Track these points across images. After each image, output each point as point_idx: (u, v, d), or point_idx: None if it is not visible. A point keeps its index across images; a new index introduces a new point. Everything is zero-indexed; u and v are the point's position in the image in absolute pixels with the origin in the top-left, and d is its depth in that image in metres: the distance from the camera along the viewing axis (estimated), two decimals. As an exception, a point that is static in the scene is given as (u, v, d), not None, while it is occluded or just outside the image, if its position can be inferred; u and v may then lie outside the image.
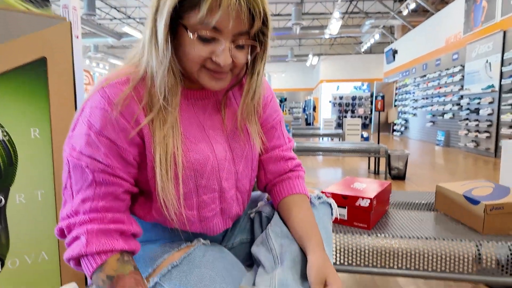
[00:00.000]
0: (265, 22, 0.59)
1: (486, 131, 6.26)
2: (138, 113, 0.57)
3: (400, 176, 3.92)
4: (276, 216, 0.76)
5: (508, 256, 1.09)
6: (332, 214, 0.82)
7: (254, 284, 0.63)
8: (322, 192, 1.28)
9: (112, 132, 0.55)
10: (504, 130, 5.73)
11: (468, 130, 6.87)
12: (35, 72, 1.06)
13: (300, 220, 0.70)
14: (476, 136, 6.51)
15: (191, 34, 0.55)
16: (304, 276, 0.62)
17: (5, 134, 1.00)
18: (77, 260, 0.55)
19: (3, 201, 0.99)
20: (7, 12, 1.07)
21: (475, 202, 1.20)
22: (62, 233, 0.57)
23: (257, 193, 0.92)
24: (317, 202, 0.79)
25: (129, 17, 12.79)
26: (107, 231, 0.55)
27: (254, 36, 0.61)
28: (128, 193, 0.60)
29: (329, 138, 8.14)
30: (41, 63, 1.07)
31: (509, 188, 1.28)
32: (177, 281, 0.61)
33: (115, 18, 12.78)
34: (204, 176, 0.64)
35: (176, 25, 0.57)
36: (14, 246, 1.02)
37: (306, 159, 5.78)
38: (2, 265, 1.01)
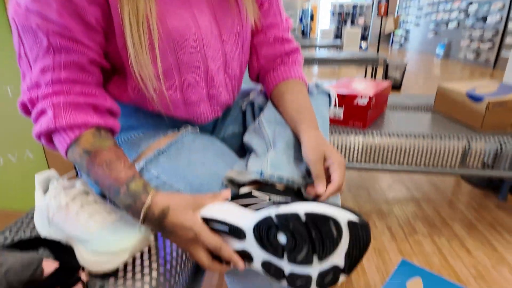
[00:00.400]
0: None
1: (489, 40, 5.97)
2: None
3: (396, 86, 3.86)
4: (269, 103, 0.69)
5: (497, 151, 1.09)
6: (330, 104, 0.76)
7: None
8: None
9: None
10: (508, 39, 5.47)
11: (471, 40, 6.55)
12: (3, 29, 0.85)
13: (293, 102, 0.62)
14: (479, 46, 6.25)
15: None
16: (298, 159, 0.58)
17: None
18: (48, 136, 0.49)
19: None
20: None
21: (478, 99, 1.15)
22: (25, 108, 0.50)
23: (249, 86, 0.84)
24: (315, 91, 0.72)
25: None
26: (76, 104, 0.48)
27: None
28: (96, 64, 0.50)
29: (327, 49, 7.75)
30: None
31: (514, 86, 1.22)
32: (165, 164, 0.58)
33: None
34: (186, 50, 0.55)
35: None
36: (-5, 144, 0.97)
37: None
38: (-14, 163, 0.97)
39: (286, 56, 0.71)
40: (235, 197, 0.50)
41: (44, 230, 0.53)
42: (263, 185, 0.54)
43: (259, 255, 0.44)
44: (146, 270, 0.49)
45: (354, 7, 13.57)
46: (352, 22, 13.65)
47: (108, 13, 0.48)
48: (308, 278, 0.43)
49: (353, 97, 1.17)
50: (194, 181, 0.56)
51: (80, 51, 0.47)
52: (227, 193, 0.50)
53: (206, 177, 0.57)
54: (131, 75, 0.53)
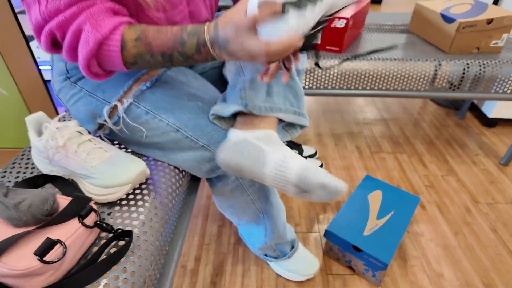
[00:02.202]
0: None
1: None
2: None
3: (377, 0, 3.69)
4: None
5: (462, 74, 1.16)
6: None
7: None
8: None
9: None
10: None
11: None
12: None
13: None
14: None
15: None
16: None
17: None
18: (94, 54, 0.48)
19: None
20: None
21: (450, 20, 1.17)
22: (53, 43, 0.49)
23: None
24: None
25: None
26: (102, 12, 0.47)
27: None
28: None
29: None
30: None
31: (487, 5, 1.23)
32: (152, 100, 0.61)
33: None
34: None
35: None
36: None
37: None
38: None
39: None
40: None
41: (45, 168, 0.58)
42: None
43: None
44: (146, 198, 0.57)
45: None
46: None
47: None
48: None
49: (331, 20, 1.15)
50: (181, 116, 0.61)
51: None
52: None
53: (193, 112, 0.61)
54: None
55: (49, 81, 1.18)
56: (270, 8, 0.42)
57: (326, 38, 1.20)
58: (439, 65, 1.16)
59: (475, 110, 1.70)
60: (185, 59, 0.49)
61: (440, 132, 1.58)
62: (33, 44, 1.08)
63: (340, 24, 1.15)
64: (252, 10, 0.43)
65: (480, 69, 1.15)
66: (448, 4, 1.28)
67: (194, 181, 0.78)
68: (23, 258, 0.39)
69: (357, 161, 1.40)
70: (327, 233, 0.95)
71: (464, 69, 1.15)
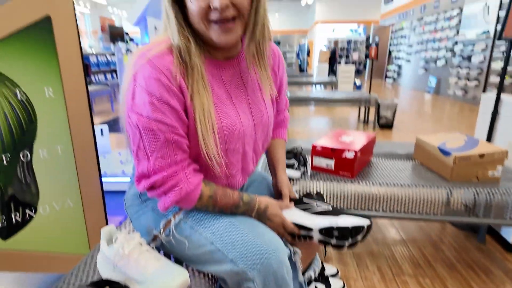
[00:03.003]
0: None
1: (475, 79, 6.36)
2: (179, 78, 0.67)
3: (388, 125, 4.11)
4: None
5: (473, 200, 1.28)
6: None
7: None
8: (313, 146, 1.43)
9: (169, 98, 0.66)
10: (492, 78, 5.84)
11: (459, 78, 6.95)
12: (41, 31, 1.09)
13: (276, 155, 1.00)
14: (466, 84, 6.62)
15: None
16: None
17: (22, 94, 1.07)
18: (179, 201, 0.71)
19: (29, 156, 1.11)
20: (5, -30, 1.06)
21: (447, 153, 1.36)
22: (150, 187, 0.71)
23: None
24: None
25: None
26: (190, 172, 0.72)
27: None
28: (187, 146, 0.72)
29: (322, 86, 8.14)
30: (46, 21, 1.10)
31: (478, 141, 1.44)
32: (199, 215, 0.79)
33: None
34: (232, 141, 0.76)
35: None
36: (43, 195, 1.16)
37: (299, 109, 5.87)
38: (35, 211, 1.16)
39: (281, 122, 1.05)
40: (294, 202, 0.89)
41: (106, 273, 0.71)
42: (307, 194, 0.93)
43: (317, 237, 0.82)
44: (185, 304, 0.67)
45: (349, 42, 14.30)
46: (347, 57, 14.30)
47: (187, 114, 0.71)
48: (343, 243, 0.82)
49: (341, 151, 1.38)
50: (217, 231, 0.75)
51: (182, 141, 0.70)
52: (292, 203, 0.88)
53: (226, 227, 0.76)
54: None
55: (108, 192, 1.41)
56: (289, 206, 0.87)
57: (339, 165, 1.41)
58: (450, 192, 1.29)
59: (494, 233, 1.72)
60: (233, 213, 0.78)
61: (461, 256, 1.58)
62: (102, 160, 1.32)
63: (350, 155, 1.36)
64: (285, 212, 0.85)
65: (489, 197, 1.26)
66: (444, 139, 1.50)
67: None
68: None
69: (379, 283, 1.40)
70: None
71: (474, 195, 1.28)
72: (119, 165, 2.52)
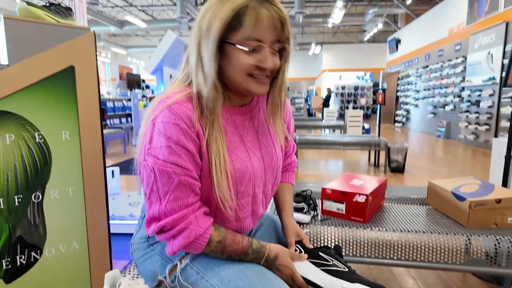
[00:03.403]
0: (287, 27, 0.72)
1: (485, 124, 6.34)
2: (197, 125, 0.70)
3: (399, 169, 4.05)
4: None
5: (495, 249, 1.21)
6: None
7: None
8: (323, 189, 1.42)
9: (186, 142, 0.68)
10: (503, 123, 5.82)
11: (468, 122, 6.95)
12: (64, 79, 1.17)
13: (284, 199, 0.99)
14: (476, 128, 6.60)
15: (240, 47, 0.67)
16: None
17: (41, 137, 1.12)
18: (189, 246, 0.70)
19: (41, 197, 1.12)
20: (38, 25, 1.18)
21: (461, 198, 1.32)
22: (160, 230, 0.70)
23: None
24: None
25: (131, 5, 12.72)
26: (201, 216, 0.71)
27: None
28: (200, 189, 0.73)
29: (331, 130, 8.23)
30: (70, 71, 1.18)
31: (493, 186, 1.40)
32: (206, 260, 0.76)
33: (116, 6, 12.71)
34: (243, 183, 0.77)
35: (221, 46, 0.69)
36: (50, 237, 1.15)
37: (308, 152, 5.89)
38: (41, 254, 1.14)
39: (289, 166, 1.04)
40: (309, 255, 0.84)
41: (107, 321, 0.68)
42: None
43: None
44: None
45: (356, 88, 14.71)
46: (355, 102, 14.60)
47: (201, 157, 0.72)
48: None
49: (352, 195, 1.35)
50: (224, 277, 0.73)
51: (195, 183, 0.70)
52: (305, 256, 0.83)
53: (233, 274, 0.73)
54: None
55: (114, 234, 1.39)
56: (302, 258, 0.83)
57: (351, 209, 1.37)
58: (469, 239, 1.23)
59: (522, 286, 1.60)
60: (241, 260, 0.76)
61: (487, 310, 1.46)
62: (111, 202, 1.33)
63: (361, 199, 1.34)
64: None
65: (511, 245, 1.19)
66: (458, 183, 1.47)
67: None
68: None
69: None
70: None
71: (495, 243, 1.21)
72: (127, 207, 2.51)
